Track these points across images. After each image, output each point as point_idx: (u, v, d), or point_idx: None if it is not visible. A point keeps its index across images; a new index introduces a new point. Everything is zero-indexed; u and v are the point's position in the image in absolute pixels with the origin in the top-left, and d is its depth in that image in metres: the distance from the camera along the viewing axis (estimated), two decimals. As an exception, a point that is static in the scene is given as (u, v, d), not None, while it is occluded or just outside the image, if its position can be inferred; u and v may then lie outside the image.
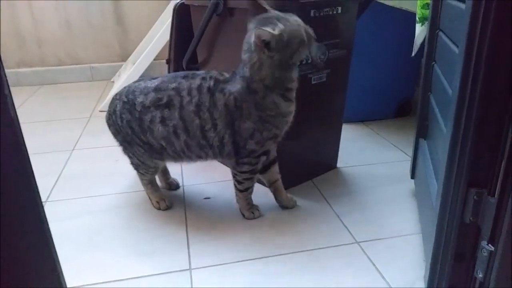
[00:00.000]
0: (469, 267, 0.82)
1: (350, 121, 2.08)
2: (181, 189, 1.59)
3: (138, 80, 1.37)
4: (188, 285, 1.10)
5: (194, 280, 1.11)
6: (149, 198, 1.48)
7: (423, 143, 1.33)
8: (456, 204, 0.82)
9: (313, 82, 1.43)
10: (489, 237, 0.75)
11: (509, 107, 0.70)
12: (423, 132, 1.34)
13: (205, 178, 1.66)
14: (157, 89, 1.27)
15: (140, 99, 1.28)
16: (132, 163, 1.45)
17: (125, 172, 1.75)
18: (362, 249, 1.20)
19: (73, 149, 1.99)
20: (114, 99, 1.37)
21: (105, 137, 2.17)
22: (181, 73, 1.30)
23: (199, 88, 1.23)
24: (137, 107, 1.28)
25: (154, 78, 1.31)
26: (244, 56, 1.18)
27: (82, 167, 1.81)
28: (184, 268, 1.16)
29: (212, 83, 1.23)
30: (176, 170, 1.74)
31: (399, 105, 2.17)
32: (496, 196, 0.74)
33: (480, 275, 0.77)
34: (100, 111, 2.51)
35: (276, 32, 1.09)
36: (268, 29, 1.09)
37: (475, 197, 0.79)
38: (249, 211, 1.37)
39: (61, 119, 2.40)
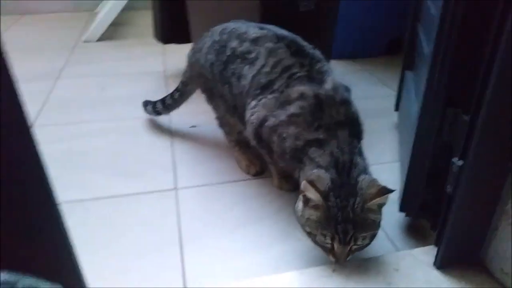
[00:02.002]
0: (440, 183, 0.87)
1: (339, 57, 2.06)
2: (167, 116, 1.60)
3: (241, 22, 1.19)
4: (174, 203, 1.14)
5: (180, 199, 1.16)
6: (237, 160, 1.31)
7: (409, 75, 1.34)
8: (433, 122, 0.85)
9: (300, 9, 1.40)
10: (461, 153, 0.78)
11: (489, 30, 0.70)
12: (409, 64, 1.35)
13: (192, 107, 1.66)
14: (254, 41, 1.09)
15: (233, 43, 1.12)
16: (216, 118, 1.32)
17: (111, 100, 1.75)
18: (342, 174, 1.25)
19: (57, 78, 1.96)
20: (204, 36, 1.23)
21: (91, 67, 2.16)
22: (292, 38, 1.09)
23: (287, 67, 1.02)
24: (227, 50, 1.13)
25: (262, 28, 1.13)
26: None
27: (67, 95, 1.79)
28: (170, 188, 1.20)
29: (303, 73, 1.01)
30: (162, 96, 1.73)
31: (390, 43, 2.15)
32: (470, 115, 0.77)
33: (450, 189, 0.81)
34: (85, 41, 2.44)
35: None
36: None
37: (451, 116, 0.82)
38: (277, 179, 1.20)
39: (44, 49, 2.34)
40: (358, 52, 2.14)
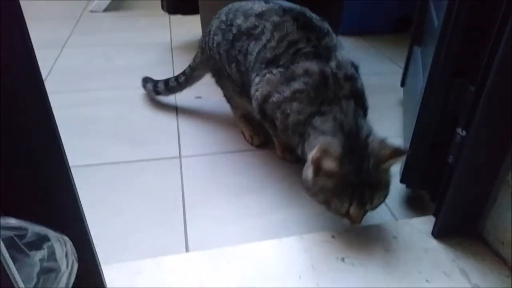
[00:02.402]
0: (442, 155, 0.87)
1: (348, 33, 2.04)
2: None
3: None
4: (178, 170, 1.15)
5: (184, 166, 1.17)
6: (242, 132, 1.31)
7: (417, 49, 1.33)
8: (439, 93, 0.85)
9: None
10: (464, 124, 0.78)
11: (497, 5, 0.70)
12: (418, 39, 1.33)
13: (197, 79, 1.67)
14: (259, 16, 1.07)
15: (239, 21, 1.10)
16: (224, 95, 1.32)
17: (117, 69, 1.75)
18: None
19: (63, 47, 1.95)
20: (213, 18, 1.22)
21: (96, 37, 2.16)
22: (299, 10, 1.06)
23: (293, 42, 1.00)
24: (233, 29, 1.10)
25: (267, 2, 1.11)
26: None
27: (73, 64, 1.79)
28: (175, 156, 1.21)
29: (309, 49, 0.98)
30: (168, 69, 1.73)
31: (399, 21, 2.12)
32: (476, 85, 0.77)
33: (451, 159, 0.82)
34: (91, 11, 2.42)
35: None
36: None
37: (457, 87, 0.82)
38: (280, 149, 1.21)
39: (50, 18, 2.33)
40: (367, 28, 2.11)
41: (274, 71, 1.01)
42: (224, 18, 1.16)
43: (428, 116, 0.90)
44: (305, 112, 0.94)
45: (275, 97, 1.00)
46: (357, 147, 0.85)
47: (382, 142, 0.85)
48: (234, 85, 1.18)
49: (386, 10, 2.09)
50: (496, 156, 0.80)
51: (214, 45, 1.17)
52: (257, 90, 1.04)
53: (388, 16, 2.11)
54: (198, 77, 1.41)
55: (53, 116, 0.60)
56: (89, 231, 0.70)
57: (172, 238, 0.94)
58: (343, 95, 0.93)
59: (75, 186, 0.66)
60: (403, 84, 1.48)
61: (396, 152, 0.82)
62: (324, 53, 0.98)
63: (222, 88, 1.28)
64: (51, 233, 0.58)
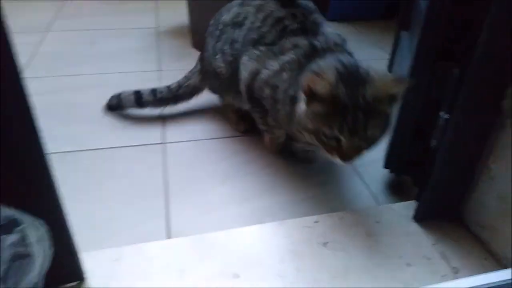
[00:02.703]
0: (425, 140, 0.87)
1: (335, 19, 2.02)
2: (157, 73, 1.57)
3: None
4: (161, 157, 1.14)
5: (168, 153, 1.16)
6: (227, 117, 1.30)
7: (404, 35, 1.32)
8: (423, 77, 0.84)
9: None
10: (448, 107, 0.78)
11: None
12: (405, 24, 1.32)
13: (183, 64, 1.63)
14: (241, 4, 1.08)
15: (223, 17, 1.12)
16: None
17: (101, 54, 1.72)
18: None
19: (46, 31, 1.91)
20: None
21: (81, 21, 2.11)
22: None
23: (278, 20, 0.99)
24: (219, 25, 1.12)
25: None
26: None
27: (57, 48, 1.75)
28: (158, 142, 1.20)
29: (296, 25, 0.97)
30: (153, 55, 1.71)
31: (387, 7, 2.11)
32: (460, 68, 0.76)
33: (434, 143, 0.82)
34: (76, -6, 2.36)
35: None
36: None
37: (441, 70, 0.81)
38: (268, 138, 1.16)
39: (33, 2, 2.26)
40: (355, 15, 2.10)
41: (262, 48, 0.99)
42: (212, 21, 1.18)
43: (412, 101, 0.89)
44: (295, 79, 0.91)
45: (263, 74, 0.98)
46: (354, 75, 0.81)
47: (383, 72, 0.80)
48: (222, 80, 1.15)
49: (375, -4, 2.07)
50: (478, 140, 0.80)
51: (209, 48, 1.17)
52: (245, 71, 1.03)
53: (375, 3, 2.10)
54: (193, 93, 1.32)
55: (29, 101, 0.58)
56: (66, 216, 0.69)
57: (154, 225, 0.93)
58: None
59: (52, 171, 0.64)
60: (390, 70, 1.47)
61: (396, 80, 0.79)
62: (311, 29, 0.97)
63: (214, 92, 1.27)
64: (24, 217, 0.56)
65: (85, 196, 0.99)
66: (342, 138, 0.79)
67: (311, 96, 0.80)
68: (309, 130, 0.83)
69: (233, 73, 1.09)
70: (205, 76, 1.24)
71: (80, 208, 0.96)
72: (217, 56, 1.13)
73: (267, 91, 0.98)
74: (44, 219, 0.59)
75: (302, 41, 0.94)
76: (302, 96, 0.83)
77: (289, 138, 1.09)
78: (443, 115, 0.79)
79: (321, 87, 0.77)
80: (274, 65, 0.95)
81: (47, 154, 0.62)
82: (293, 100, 0.90)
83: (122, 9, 2.21)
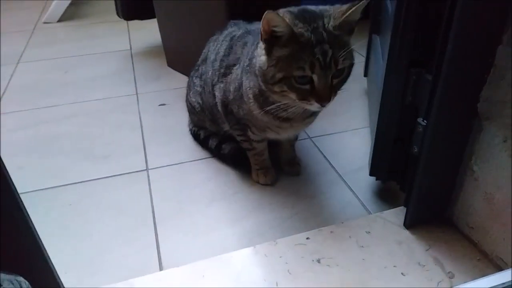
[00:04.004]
0: (407, 146, 0.88)
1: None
2: (134, 96, 1.55)
3: None
4: (146, 184, 1.12)
5: (152, 179, 1.14)
6: None
7: (376, 38, 1.33)
8: (398, 84, 0.85)
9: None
10: (425, 113, 0.79)
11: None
12: (376, 27, 1.33)
13: (160, 85, 1.62)
14: (207, 45, 1.17)
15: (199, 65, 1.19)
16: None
17: (76, 82, 1.69)
18: (314, 143, 1.25)
19: (18, 62, 1.87)
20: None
21: (53, 48, 2.07)
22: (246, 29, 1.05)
23: (227, 35, 1.07)
24: (199, 69, 1.18)
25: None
26: None
27: (30, 79, 1.72)
28: (141, 169, 1.18)
29: (241, 32, 1.05)
30: (129, 77, 1.69)
31: (358, 8, 2.12)
32: (432, 74, 0.77)
33: (416, 149, 0.82)
34: (45, 22, 2.32)
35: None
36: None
37: (414, 76, 0.82)
38: (254, 172, 1.12)
39: (2, 33, 2.22)
40: (328, 19, 2.10)
41: (235, 68, 1.00)
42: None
43: (389, 108, 0.90)
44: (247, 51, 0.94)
45: (236, 82, 0.97)
46: (309, 12, 0.80)
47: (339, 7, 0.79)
48: (199, 113, 1.19)
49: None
50: (457, 143, 0.80)
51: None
52: (218, 92, 1.04)
53: (346, 3, 2.11)
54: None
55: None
56: (51, 264, 0.67)
57: (145, 256, 0.91)
58: None
59: (28, 220, 0.62)
60: (366, 74, 1.48)
61: (351, 5, 0.77)
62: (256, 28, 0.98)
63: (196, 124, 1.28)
64: (1, 276, 0.54)
65: (71, 233, 0.97)
66: (315, 76, 0.76)
67: (271, 42, 0.78)
68: (279, 80, 0.79)
69: (203, 103, 1.15)
70: (190, 115, 1.29)
71: (66, 245, 0.94)
72: (191, 93, 1.20)
73: (242, 90, 0.94)
74: (27, 271, 0.57)
75: (248, 36, 0.98)
76: (261, 46, 0.81)
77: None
78: (421, 121, 0.79)
79: (280, 25, 0.75)
80: (247, 76, 0.93)
81: (21, 203, 0.59)
82: (253, 65, 0.88)
83: (93, 34, 2.18)
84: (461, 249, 0.84)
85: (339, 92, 0.82)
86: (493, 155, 0.74)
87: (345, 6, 0.78)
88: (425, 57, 0.80)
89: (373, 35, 1.36)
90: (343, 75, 0.81)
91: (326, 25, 0.77)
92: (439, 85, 0.73)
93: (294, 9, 0.82)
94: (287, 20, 0.75)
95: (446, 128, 0.77)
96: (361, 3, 0.76)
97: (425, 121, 0.79)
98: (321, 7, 0.83)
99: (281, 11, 0.80)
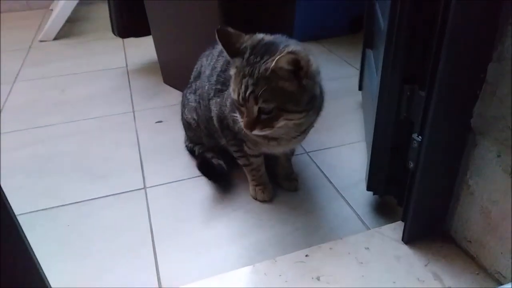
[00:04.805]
0: (403, 160, 0.88)
1: (302, 39, 2.04)
2: (131, 114, 1.56)
3: None
4: (144, 203, 1.12)
5: (150, 197, 1.14)
6: None
7: (369, 53, 1.35)
8: (392, 100, 0.86)
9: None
10: (419, 129, 0.79)
11: (440, 7, 0.71)
12: (369, 42, 1.35)
13: (157, 102, 1.63)
14: (203, 56, 1.18)
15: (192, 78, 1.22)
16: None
17: (72, 100, 1.70)
18: (311, 158, 1.26)
19: (14, 82, 1.88)
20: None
21: (49, 67, 2.08)
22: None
23: (221, 52, 1.07)
24: (193, 85, 1.20)
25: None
26: None
27: (26, 99, 1.72)
28: (139, 188, 1.18)
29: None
30: (125, 94, 1.69)
31: (352, 21, 2.15)
32: (425, 90, 0.78)
33: (411, 165, 0.83)
34: (41, 41, 2.34)
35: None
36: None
37: (408, 92, 0.83)
38: (252, 189, 1.12)
39: (-1, 51, 2.24)
40: (321, 32, 2.13)
41: (220, 83, 1.04)
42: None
43: (384, 122, 0.91)
44: None
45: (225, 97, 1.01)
46: (267, 46, 0.84)
47: (292, 48, 0.79)
48: (194, 129, 1.20)
49: (338, 12, 2.11)
50: (453, 158, 0.81)
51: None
52: (214, 107, 1.06)
53: (341, 18, 2.14)
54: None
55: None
56: (49, 285, 0.66)
57: (144, 276, 0.90)
58: None
59: (26, 239, 0.61)
60: (360, 87, 1.50)
61: (287, 54, 0.77)
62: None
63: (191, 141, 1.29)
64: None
65: (71, 253, 0.97)
66: (238, 102, 0.84)
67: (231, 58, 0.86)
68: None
69: (199, 119, 1.16)
70: (186, 131, 1.29)
71: (66, 266, 0.93)
72: (185, 110, 1.21)
73: (229, 101, 0.98)
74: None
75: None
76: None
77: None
78: (416, 137, 0.80)
79: (233, 45, 0.84)
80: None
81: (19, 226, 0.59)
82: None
83: (89, 51, 2.20)
84: (459, 263, 0.84)
85: (276, 128, 0.86)
86: (488, 169, 0.75)
87: (284, 52, 0.78)
88: (418, 73, 0.82)
89: (367, 49, 1.38)
90: (271, 115, 0.83)
91: (264, 64, 0.81)
92: (432, 102, 0.74)
93: (264, 37, 0.87)
94: (242, 41, 0.84)
95: (440, 143, 0.78)
96: (282, 55, 0.77)
97: (420, 136, 0.80)
98: (291, 44, 0.85)
99: (250, 35, 0.88)
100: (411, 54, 0.82)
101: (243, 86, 0.82)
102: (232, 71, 0.87)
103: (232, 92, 0.86)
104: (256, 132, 0.85)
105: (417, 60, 0.82)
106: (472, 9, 0.67)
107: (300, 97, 0.84)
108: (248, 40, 0.86)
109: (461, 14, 0.67)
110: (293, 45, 0.83)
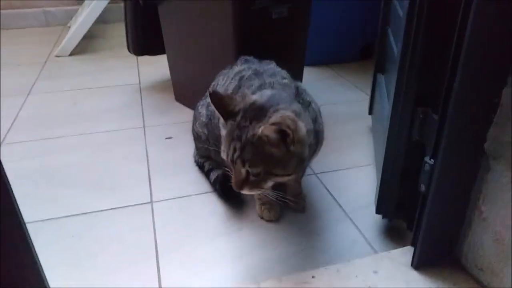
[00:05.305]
0: (414, 184, 0.87)
1: (313, 64, 2.08)
2: (141, 129, 1.57)
3: None
4: (150, 217, 1.11)
5: (156, 212, 1.13)
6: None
7: (381, 78, 1.35)
8: (404, 122, 0.86)
9: (273, 17, 1.40)
10: (432, 152, 0.79)
11: (453, 28, 0.72)
12: (381, 67, 1.36)
13: (168, 119, 1.64)
14: (221, 74, 1.22)
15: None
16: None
17: (84, 114, 1.72)
18: (320, 179, 1.25)
19: (28, 94, 1.91)
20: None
21: (62, 81, 2.12)
22: (252, 66, 1.14)
23: (238, 73, 1.12)
24: (205, 95, 1.23)
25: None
26: None
27: (39, 111, 1.75)
28: (146, 202, 1.17)
29: (249, 73, 1.09)
30: (137, 111, 1.71)
31: (363, 48, 2.18)
32: (439, 113, 0.78)
33: (423, 188, 0.82)
34: (57, 56, 2.39)
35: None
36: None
37: (421, 115, 0.83)
38: (259, 207, 1.11)
39: (15, 65, 2.28)
40: (332, 58, 2.16)
41: None
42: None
43: (395, 145, 0.90)
44: None
45: None
46: (257, 110, 0.84)
47: (282, 114, 0.81)
48: (203, 143, 1.21)
49: (350, 39, 2.15)
50: (465, 182, 0.80)
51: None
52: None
53: (352, 45, 2.17)
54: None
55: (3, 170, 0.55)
56: None
57: (147, 292, 0.89)
58: None
59: (34, 248, 0.61)
60: (370, 112, 1.50)
61: (274, 126, 0.78)
62: (264, 71, 1.07)
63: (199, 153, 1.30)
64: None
65: (73, 265, 0.96)
66: (227, 162, 0.87)
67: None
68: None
69: (209, 134, 1.16)
70: (196, 143, 1.29)
71: (68, 278, 0.92)
72: (197, 123, 1.22)
73: None
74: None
75: (255, 80, 1.02)
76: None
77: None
78: (428, 160, 0.80)
79: (227, 107, 0.87)
80: None
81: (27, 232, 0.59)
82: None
83: (103, 67, 2.24)
84: (470, 291, 0.82)
85: (265, 189, 0.88)
86: (502, 195, 0.74)
87: (272, 121, 0.80)
88: (431, 95, 0.82)
89: (378, 74, 1.39)
90: (259, 178, 0.85)
91: (251, 129, 0.82)
92: (446, 125, 0.74)
93: (256, 100, 0.88)
94: (235, 104, 0.86)
95: (453, 167, 0.77)
96: (267, 126, 0.79)
97: (432, 159, 0.79)
98: (281, 108, 0.85)
99: (247, 93, 0.92)
100: (424, 77, 0.83)
101: (231, 149, 0.85)
102: (223, 132, 0.89)
103: (222, 153, 0.88)
104: (245, 192, 0.88)
105: (430, 82, 0.82)
106: (487, 34, 0.68)
107: (287, 162, 0.84)
108: (241, 102, 0.88)
109: (476, 39, 0.68)
110: (283, 109, 0.84)
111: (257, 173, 0.84)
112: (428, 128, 0.82)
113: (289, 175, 0.86)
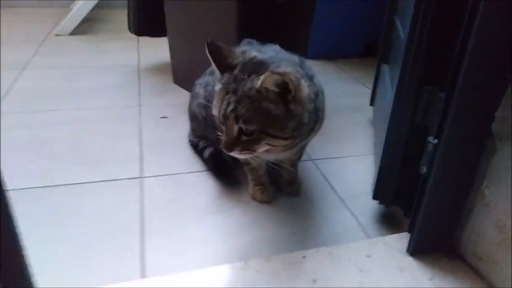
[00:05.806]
0: (414, 169, 0.84)
1: (317, 57, 2.05)
2: (136, 108, 1.53)
3: None
4: (138, 192, 1.07)
5: (145, 188, 1.09)
6: None
7: (385, 67, 1.32)
8: (408, 103, 0.82)
9: (278, 1, 1.37)
10: (436, 131, 0.75)
11: (463, 6, 0.68)
12: (385, 57, 1.33)
13: (164, 100, 1.61)
14: None
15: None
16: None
17: (79, 90, 1.68)
18: (316, 166, 1.21)
19: (23, 68, 1.87)
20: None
21: (60, 58, 2.08)
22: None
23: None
24: (204, 73, 1.20)
25: None
26: None
27: (33, 84, 1.71)
28: (135, 176, 1.13)
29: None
30: (134, 90, 1.67)
31: (368, 45, 2.15)
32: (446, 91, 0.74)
33: (424, 170, 0.78)
34: (56, 34, 2.35)
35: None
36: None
37: (426, 94, 0.79)
38: (251, 188, 1.06)
39: (14, 41, 2.24)
40: (336, 53, 2.13)
41: None
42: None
43: (397, 129, 0.87)
44: None
45: None
46: (257, 64, 0.80)
47: (282, 69, 0.75)
48: (199, 123, 1.18)
49: (355, 35, 2.12)
50: (469, 165, 0.76)
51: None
52: None
53: (356, 42, 2.15)
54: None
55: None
56: (26, 264, 0.60)
57: (128, 265, 0.84)
58: None
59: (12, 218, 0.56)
60: (372, 103, 1.47)
61: (271, 74, 0.73)
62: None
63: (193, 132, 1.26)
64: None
65: (49, 235, 0.91)
66: (219, 120, 0.80)
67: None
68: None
69: (207, 115, 1.10)
70: (191, 122, 1.25)
71: (45, 247, 0.87)
72: (194, 103, 1.17)
73: None
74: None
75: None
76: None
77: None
78: (432, 139, 0.76)
79: (225, 60, 0.82)
80: None
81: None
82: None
83: (103, 48, 2.20)
84: (467, 280, 0.78)
85: (257, 152, 0.82)
86: (508, 179, 0.70)
87: (271, 74, 0.75)
88: (437, 74, 0.78)
89: (382, 64, 1.36)
90: (252, 138, 0.79)
91: (249, 82, 0.77)
92: (453, 103, 0.71)
93: (257, 55, 0.83)
94: (234, 55, 0.82)
95: (457, 147, 0.74)
96: (269, 75, 0.74)
97: (435, 139, 0.75)
98: (283, 64, 0.81)
99: (243, 49, 0.86)
100: (432, 56, 0.79)
101: (225, 103, 0.78)
102: (218, 87, 0.82)
103: (214, 108, 0.82)
104: (234, 154, 0.81)
105: (437, 62, 0.79)
106: (500, 9, 0.64)
107: (285, 122, 0.78)
108: (240, 56, 0.83)
109: (489, 12, 0.64)
110: (286, 66, 0.79)
111: (250, 132, 0.78)
112: (433, 108, 0.78)
113: (285, 138, 0.80)
